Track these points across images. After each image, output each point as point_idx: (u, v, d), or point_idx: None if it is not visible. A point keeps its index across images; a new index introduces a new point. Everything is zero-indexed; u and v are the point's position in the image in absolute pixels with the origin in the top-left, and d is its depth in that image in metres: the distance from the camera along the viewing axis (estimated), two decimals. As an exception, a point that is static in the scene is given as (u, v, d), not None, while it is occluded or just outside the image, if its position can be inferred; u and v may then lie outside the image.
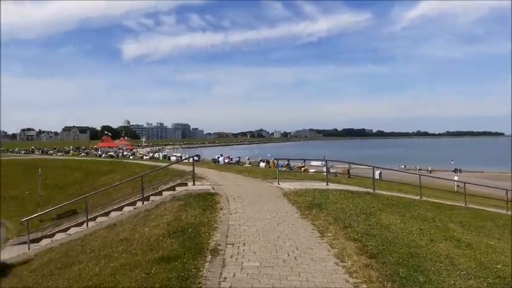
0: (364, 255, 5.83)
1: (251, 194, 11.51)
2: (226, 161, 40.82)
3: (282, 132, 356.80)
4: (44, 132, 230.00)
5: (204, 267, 5.28)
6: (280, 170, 18.43)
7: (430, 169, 55.93)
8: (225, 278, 4.91)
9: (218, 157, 43.05)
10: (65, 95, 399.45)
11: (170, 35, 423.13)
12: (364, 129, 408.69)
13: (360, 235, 6.96)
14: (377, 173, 22.70)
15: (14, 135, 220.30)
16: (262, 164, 39.73)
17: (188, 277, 4.90)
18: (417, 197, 13.83)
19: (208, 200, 10.12)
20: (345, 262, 5.58)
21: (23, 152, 60.90)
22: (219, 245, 6.30)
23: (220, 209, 9.13)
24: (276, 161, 25.07)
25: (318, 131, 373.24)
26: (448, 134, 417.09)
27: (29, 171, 24.84)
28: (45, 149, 68.93)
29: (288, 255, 5.90)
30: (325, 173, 15.93)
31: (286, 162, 31.40)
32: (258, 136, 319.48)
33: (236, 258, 5.69)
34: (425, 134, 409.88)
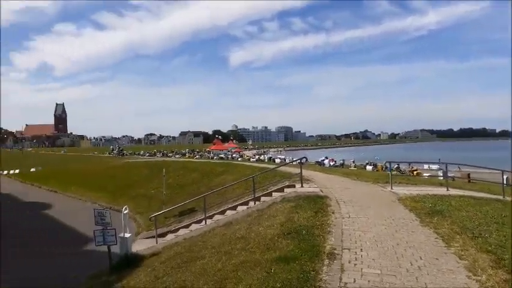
0: (501, 270, 5.19)
1: (362, 198, 11.14)
2: (331, 163, 40.17)
3: (389, 133, 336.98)
4: (164, 136, 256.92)
5: (323, 270, 5.27)
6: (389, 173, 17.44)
7: None
8: (345, 283, 4.83)
9: (323, 160, 42.58)
10: (181, 103, 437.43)
11: (273, 40, 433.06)
12: (485, 128, 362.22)
13: (493, 247, 6.22)
14: (504, 177, 20.05)
15: (139, 140, 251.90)
16: (368, 167, 38.09)
17: (307, 279, 4.94)
18: None
19: (318, 203, 10.08)
20: (479, 276, 5.04)
21: (147, 155, 68.39)
22: (335, 249, 6.22)
23: (332, 213, 9.02)
24: (388, 164, 23.84)
25: (431, 132, 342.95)
26: None
27: (153, 171, 27.79)
28: (165, 151, 76.43)
29: (411, 264, 5.56)
30: (443, 177, 14.62)
31: (396, 166, 29.70)
32: (363, 138, 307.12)
33: (355, 264, 5.56)
34: None
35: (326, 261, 5.64)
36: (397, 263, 5.58)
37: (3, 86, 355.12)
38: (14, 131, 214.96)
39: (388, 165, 21.95)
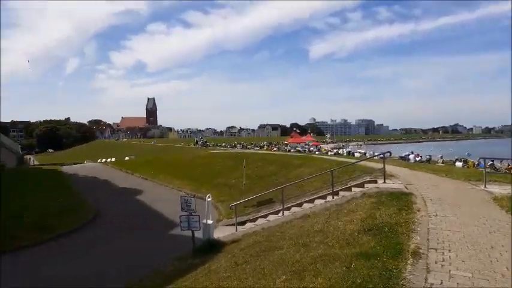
0: None
1: (451, 197, 10.34)
2: (417, 159, 37.82)
3: (483, 127, 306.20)
4: (243, 129, 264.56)
5: (406, 269, 5.04)
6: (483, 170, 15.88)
7: None
8: (432, 284, 4.57)
9: (407, 154, 40.27)
10: (260, 96, 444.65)
11: (356, 30, 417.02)
12: None
13: None
14: None
15: (221, 132, 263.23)
16: (458, 164, 35.11)
17: (390, 277, 4.76)
18: None
19: (402, 200, 9.60)
20: None
21: (228, 147, 70.99)
22: (420, 248, 5.89)
23: (417, 210, 8.53)
24: (481, 160, 21.74)
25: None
26: None
27: (233, 162, 28.77)
28: (244, 143, 78.60)
29: (508, 269, 5.05)
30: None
31: (490, 162, 26.90)
32: (453, 132, 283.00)
33: (442, 265, 5.21)
34: None
35: (410, 260, 5.37)
36: (491, 267, 5.11)
37: (104, 82, 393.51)
38: (111, 123, 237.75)
39: (481, 161, 19.98)
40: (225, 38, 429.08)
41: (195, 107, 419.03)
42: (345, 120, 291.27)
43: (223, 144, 79.81)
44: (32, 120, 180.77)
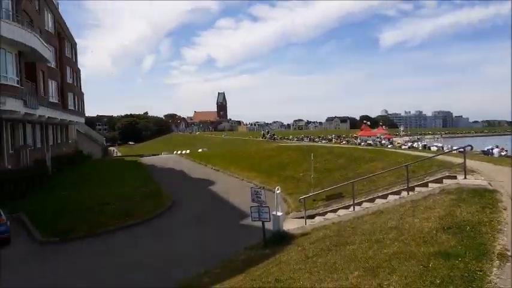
0: None
1: (546, 196, 9.35)
2: (502, 153, 34.55)
3: None
4: (310, 122, 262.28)
5: (492, 272, 4.71)
6: None
7: None
8: (522, 290, 4.24)
9: (491, 148, 36.94)
10: (328, 88, 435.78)
11: (431, 16, 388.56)
12: None
13: None
14: None
15: (288, 125, 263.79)
16: (553, 159, 31.45)
17: (473, 279, 4.50)
18: None
19: (485, 197, 8.91)
20: None
21: (295, 140, 70.90)
22: (508, 251, 5.46)
23: (504, 209, 7.87)
24: None
25: None
26: None
27: (301, 155, 28.69)
28: (311, 136, 77.93)
29: None
30: None
31: None
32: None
33: (533, 270, 4.80)
34: None
35: (496, 263, 5.01)
36: None
37: (178, 78, 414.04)
38: (185, 116, 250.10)
39: None
40: (292, 30, 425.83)
41: (262, 100, 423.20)
42: (420, 112, 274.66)
43: (291, 137, 79.85)
44: (115, 114, 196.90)
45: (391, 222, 8.46)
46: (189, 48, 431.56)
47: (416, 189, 12.49)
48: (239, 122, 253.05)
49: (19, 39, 20.20)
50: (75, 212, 16.48)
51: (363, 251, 6.75)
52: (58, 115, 33.65)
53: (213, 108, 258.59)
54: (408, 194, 12.12)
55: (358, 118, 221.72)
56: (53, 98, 34.12)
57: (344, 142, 57.28)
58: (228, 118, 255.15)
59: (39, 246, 13.51)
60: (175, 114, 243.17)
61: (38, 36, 23.85)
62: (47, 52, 26.58)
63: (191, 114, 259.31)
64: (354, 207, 13.09)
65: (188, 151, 58.84)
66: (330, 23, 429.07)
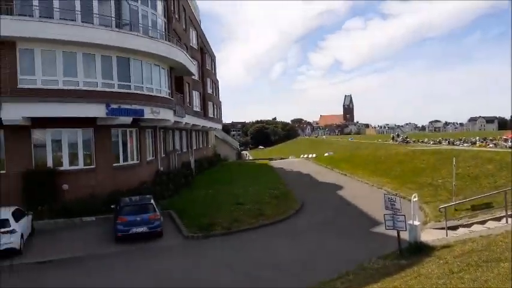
0: None
1: None
2: None
3: None
4: (449, 123, 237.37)
5: None
6: None
7: None
8: None
9: None
10: (471, 85, 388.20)
11: None
12: None
13: None
14: None
15: (423, 127, 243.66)
16: None
17: None
18: None
19: None
20: None
21: (431, 143, 64.97)
22: None
23: None
24: None
25: None
26: None
27: (439, 160, 26.25)
28: (451, 139, 70.34)
29: None
30: None
31: None
32: None
33: None
34: None
35: None
36: None
37: (304, 83, 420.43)
38: (311, 121, 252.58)
39: None
40: (429, 23, 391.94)
41: (391, 101, 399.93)
42: None
43: (426, 140, 73.80)
44: (247, 120, 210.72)
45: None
46: (316, 53, 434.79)
47: None
48: (367, 125, 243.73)
49: (171, 57, 23.26)
50: (214, 210, 18.17)
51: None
52: (200, 122, 37.66)
53: (339, 111, 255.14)
54: None
55: (508, 118, 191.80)
56: (196, 107, 38.24)
57: (491, 145, 50.43)
58: (355, 121, 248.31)
59: (185, 240, 15.23)
60: (302, 119, 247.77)
61: (185, 53, 27.09)
62: (192, 66, 30.03)
63: (317, 118, 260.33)
64: (506, 220, 11.51)
65: (314, 155, 59.27)
66: (475, 12, 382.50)
